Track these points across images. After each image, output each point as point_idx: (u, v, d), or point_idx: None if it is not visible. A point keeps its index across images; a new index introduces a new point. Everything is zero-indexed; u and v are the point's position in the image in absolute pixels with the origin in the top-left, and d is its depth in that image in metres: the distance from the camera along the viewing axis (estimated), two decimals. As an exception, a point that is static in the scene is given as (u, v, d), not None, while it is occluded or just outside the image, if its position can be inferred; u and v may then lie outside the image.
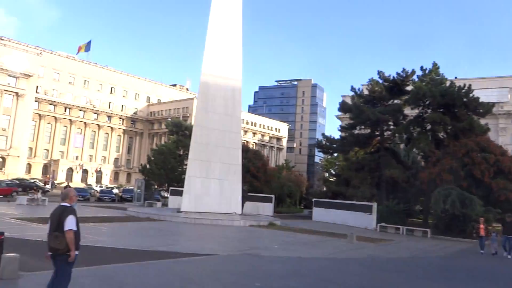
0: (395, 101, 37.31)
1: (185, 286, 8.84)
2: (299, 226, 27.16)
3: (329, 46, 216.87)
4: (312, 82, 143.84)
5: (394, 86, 36.03)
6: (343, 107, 38.74)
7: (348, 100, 43.12)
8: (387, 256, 16.51)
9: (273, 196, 37.71)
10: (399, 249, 19.65)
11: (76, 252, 6.06)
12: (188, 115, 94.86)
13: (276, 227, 25.04)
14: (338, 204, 33.76)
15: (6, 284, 7.78)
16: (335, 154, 49.20)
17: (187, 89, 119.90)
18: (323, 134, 41.99)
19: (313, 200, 38.20)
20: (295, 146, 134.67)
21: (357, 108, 35.56)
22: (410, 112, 38.04)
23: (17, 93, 74.03)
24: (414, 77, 36.29)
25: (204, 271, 10.74)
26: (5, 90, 72.59)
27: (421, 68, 34.78)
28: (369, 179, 36.06)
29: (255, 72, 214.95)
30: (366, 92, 38.46)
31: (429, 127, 33.65)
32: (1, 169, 72.07)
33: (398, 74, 35.68)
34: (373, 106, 36.62)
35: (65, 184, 75.61)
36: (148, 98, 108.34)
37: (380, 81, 36.82)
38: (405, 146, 37.90)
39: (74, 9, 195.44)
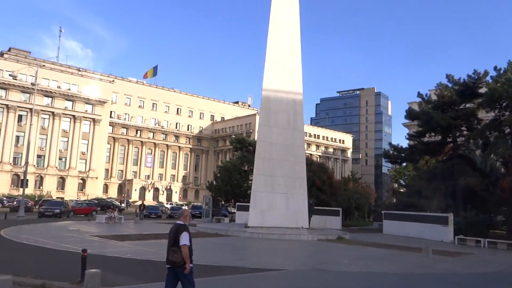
0: (467, 105, 35.08)
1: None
2: (369, 239, 26.23)
3: (392, 52, 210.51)
4: (376, 91, 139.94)
5: (466, 89, 33.91)
6: (411, 114, 37.11)
7: (415, 107, 41.30)
8: (469, 272, 15.35)
9: (340, 209, 36.83)
10: (482, 264, 18.20)
11: (191, 265, 6.91)
12: (251, 130, 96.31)
13: (345, 241, 24.37)
14: (410, 216, 32.11)
15: (89, 299, 8.25)
16: (404, 164, 47.13)
17: (249, 106, 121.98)
18: (390, 144, 40.46)
19: (383, 212, 36.75)
20: (360, 157, 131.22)
21: (426, 115, 33.88)
22: (484, 115, 35.53)
23: (93, 119, 79.82)
24: (487, 78, 33.91)
25: (273, 286, 10.69)
26: (83, 117, 78.63)
27: (495, 68, 32.34)
28: (443, 189, 33.97)
29: (315, 84, 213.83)
30: (434, 97, 36.62)
31: (507, 130, 31.17)
32: (82, 190, 77.65)
33: (469, 76, 33.57)
34: (443, 111, 34.68)
35: (140, 202, 79.65)
36: (212, 116, 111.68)
37: (450, 85, 34.86)
38: (482, 152, 35.33)
39: (141, 37, 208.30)
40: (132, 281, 10.25)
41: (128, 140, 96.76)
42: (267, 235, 24.24)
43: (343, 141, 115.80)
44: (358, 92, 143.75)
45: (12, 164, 71.08)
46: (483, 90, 33.70)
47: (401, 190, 46.51)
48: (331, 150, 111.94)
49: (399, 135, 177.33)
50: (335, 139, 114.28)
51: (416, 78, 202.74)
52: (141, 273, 11.61)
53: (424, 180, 34.91)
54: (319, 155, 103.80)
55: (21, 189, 67.53)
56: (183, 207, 58.05)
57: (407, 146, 39.88)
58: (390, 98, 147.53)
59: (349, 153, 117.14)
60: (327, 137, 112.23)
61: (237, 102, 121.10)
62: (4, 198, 55.34)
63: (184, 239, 6.85)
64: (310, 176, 33.95)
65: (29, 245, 16.44)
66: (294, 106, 29.41)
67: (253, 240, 22.78)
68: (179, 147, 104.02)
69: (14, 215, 34.10)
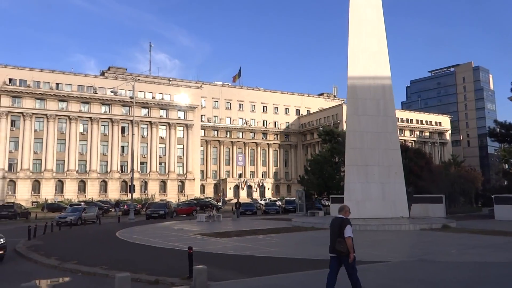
0: None
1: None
2: (479, 227, 24.17)
3: (485, 22, 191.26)
4: (473, 65, 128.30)
5: None
6: (517, 86, 33.36)
7: (522, 78, 37.07)
8: None
9: (442, 195, 34.44)
10: None
11: (354, 254, 7.81)
12: (338, 121, 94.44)
13: (451, 230, 22.73)
14: (526, 199, 28.97)
15: (198, 293, 8.69)
16: (514, 142, 42.48)
17: (334, 96, 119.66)
18: (495, 121, 36.74)
19: (493, 196, 33.60)
20: (461, 138, 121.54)
21: (536, 85, 30.20)
22: None
23: (186, 124, 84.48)
24: None
25: (377, 279, 10.32)
26: (177, 123, 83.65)
27: None
28: None
29: (404, 66, 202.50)
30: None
31: None
32: (181, 191, 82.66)
33: None
34: (558, 79, 30.61)
35: (235, 200, 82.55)
36: (298, 110, 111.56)
37: None
38: None
39: (222, 41, 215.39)
40: (237, 276, 10.60)
41: (219, 141, 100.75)
42: (365, 226, 23.52)
43: (439, 123, 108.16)
44: (452, 69, 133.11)
45: (120, 172, 78.12)
46: None
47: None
48: (427, 134, 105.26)
49: (505, 111, 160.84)
50: (430, 122, 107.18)
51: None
52: (244, 268, 11.97)
53: (540, 158, 31.13)
54: (414, 141, 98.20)
55: (129, 194, 74.37)
56: (277, 202, 58.88)
57: (517, 122, 35.92)
58: (491, 71, 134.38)
59: (447, 136, 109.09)
60: (421, 121, 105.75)
61: (322, 94, 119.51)
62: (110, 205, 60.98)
63: (348, 231, 7.82)
64: (406, 163, 32.28)
65: (141, 245, 17.89)
66: (382, 91, 28.11)
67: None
68: (267, 144, 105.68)
69: (125, 218, 37.45)
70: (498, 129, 35.98)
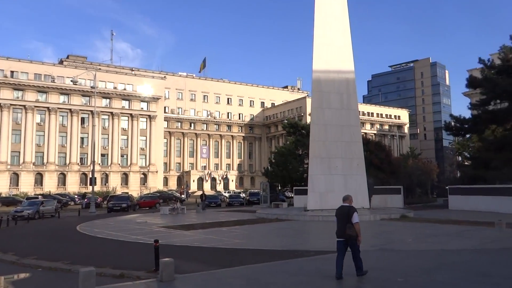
0: (536, 67, 32.47)
1: (327, 284, 8.83)
2: (435, 216, 25.32)
3: (445, 18, 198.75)
4: (431, 61, 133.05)
5: (533, 49, 31.38)
6: (472, 82, 34.93)
7: (476, 74, 38.86)
8: (549, 245, 14.36)
9: (401, 187, 35.74)
10: None
11: (361, 238, 8.94)
12: (302, 114, 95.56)
13: (409, 219, 23.69)
14: (478, 189, 30.56)
15: (166, 286, 8.65)
16: (468, 136, 44.62)
17: (298, 89, 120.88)
18: (451, 115, 38.36)
19: (447, 187, 35.22)
20: (418, 132, 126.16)
21: (490, 81, 31.78)
22: (556, 76, 32.72)
23: (149, 116, 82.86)
24: (558, 35, 31.07)
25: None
26: (140, 114, 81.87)
27: None
28: (513, 159, 31.87)
29: (366, 60, 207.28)
30: (497, 62, 34.17)
31: None
32: (144, 184, 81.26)
33: (536, 35, 30.98)
34: (509, 76, 32.34)
35: (199, 193, 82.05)
36: (262, 103, 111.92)
37: (514, 47, 32.40)
38: (556, 117, 32.67)
39: (186, 31, 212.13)
40: (204, 267, 10.59)
41: (183, 133, 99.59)
42: (327, 217, 23.96)
43: (398, 116, 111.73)
44: (411, 64, 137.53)
45: (79, 164, 75.75)
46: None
47: (466, 163, 44.13)
48: (386, 127, 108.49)
49: (459, 105, 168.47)
50: (390, 115, 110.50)
51: (474, 44, 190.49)
52: (210, 260, 11.97)
53: (492, 151, 32.92)
54: (374, 133, 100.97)
55: (89, 187, 72.26)
56: (241, 194, 59.10)
57: (470, 116, 37.69)
58: (447, 67, 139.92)
59: (406, 129, 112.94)
60: (381, 114, 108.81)
61: (286, 87, 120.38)
62: (76, 196, 59.22)
63: (356, 218, 8.87)
64: (367, 155, 33.16)
65: (104, 239, 17.50)
66: (346, 85, 28.69)
67: (314, 223, 22.75)
68: (232, 136, 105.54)
69: (85, 211, 36.45)
70: (453, 123, 37.60)
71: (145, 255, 13.07)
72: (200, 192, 51.14)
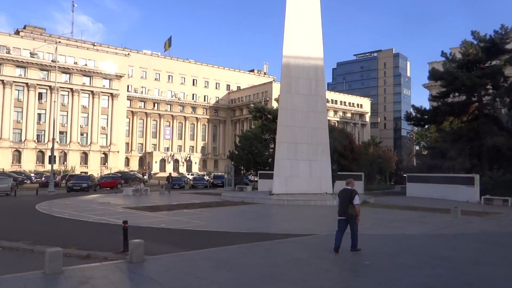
0: (493, 63, 33.97)
1: (296, 265, 9.02)
2: (394, 202, 26.31)
3: (408, 12, 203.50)
4: (394, 52, 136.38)
5: (492, 45, 32.72)
6: (434, 74, 36.15)
7: (437, 67, 40.24)
8: (500, 230, 15.34)
9: (362, 173, 36.83)
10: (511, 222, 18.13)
11: (360, 217, 10.10)
12: (267, 99, 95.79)
13: (370, 205, 24.47)
14: (435, 177, 31.99)
15: (136, 268, 8.55)
16: (426, 126, 46.39)
17: (264, 73, 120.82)
18: (413, 106, 39.68)
19: (406, 175, 36.64)
20: (379, 121, 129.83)
21: (450, 74, 32.99)
22: (511, 73, 34.45)
23: (111, 94, 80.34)
24: (516, 33, 32.57)
25: (308, 251, 10.88)
26: (101, 92, 79.19)
27: (523, 22, 31.05)
28: (468, 150, 33.54)
29: (331, 48, 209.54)
30: (458, 56, 35.50)
31: (536, 87, 30.26)
32: (105, 164, 79.24)
33: (496, 32, 32.31)
34: (468, 70, 33.70)
35: (161, 174, 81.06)
36: (228, 86, 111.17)
37: (475, 42, 33.68)
38: (508, 111, 34.50)
39: (152, 8, 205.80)
40: (173, 249, 10.54)
41: (146, 113, 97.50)
42: (292, 201, 24.51)
43: (361, 105, 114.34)
44: (375, 54, 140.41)
45: (36, 141, 72.69)
46: (510, 45, 32.52)
47: (424, 153, 45.97)
48: (349, 115, 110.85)
49: (419, 97, 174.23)
50: (353, 103, 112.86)
51: (435, 37, 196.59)
52: (179, 241, 11.93)
53: (449, 142, 34.42)
54: (337, 121, 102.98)
55: (46, 165, 69.70)
56: (205, 176, 58.95)
57: (430, 108, 39.13)
58: (408, 59, 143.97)
59: (367, 118, 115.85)
60: (344, 102, 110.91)
61: (252, 71, 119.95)
62: (32, 175, 56.96)
63: (356, 199, 9.98)
64: (331, 142, 33.83)
65: (66, 219, 17.00)
66: (315, 71, 28.94)
67: (279, 207, 23.07)
68: (196, 118, 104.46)
69: (43, 190, 35.19)
70: (414, 114, 38.93)
71: (110, 235, 12.87)
72: (165, 174, 50.44)
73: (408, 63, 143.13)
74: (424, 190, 32.18)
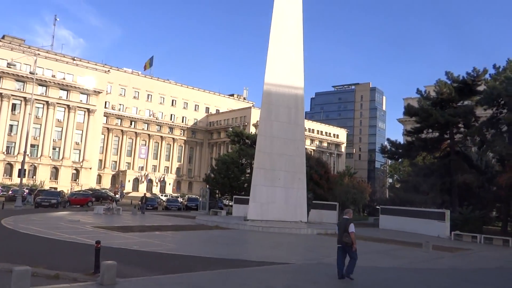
0: (466, 103, 35.41)
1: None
2: (367, 234, 26.45)
3: (386, 48, 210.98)
4: (371, 86, 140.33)
5: (465, 86, 34.20)
6: (409, 110, 37.33)
7: (412, 103, 41.56)
8: (470, 267, 15.62)
9: (337, 203, 37.11)
10: (481, 259, 18.51)
11: (355, 245, 10.53)
12: (246, 124, 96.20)
13: (344, 236, 24.56)
14: (407, 211, 32.50)
15: (108, 290, 8.27)
16: (400, 160, 47.45)
17: (244, 99, 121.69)
18: (388, 139, 40.66)
19: (379, 207, 37.10)
20: (354, 151, 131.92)
21: (425, 111, 34.13)
22: (482, 113, 35.92)
23: (88, 109, 79.06)
24: (486, 76, 34.22)
25: (283, 280, 10.79)
26: (78, 107, 77.83)
27: (494, 66, 32.71)
28: (440, 185, 34.39)
29: (310, 78, 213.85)
30: (432, 94, 36.87)
31: (505, 128, 31.56)
32: (76, 180, 77.09)
33: (468, 74, 33.84)
34: (442, 108, 34.96)
35: (133, 193, 79.46)
36: (207, 108, 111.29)
37: (449, 82, 35.13)
38: (478, 150, 35.78)
39: (135, 27, 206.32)
40: (146, 273, 10.28)
41: (122, 131, 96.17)
42: (267, 228, 24.38)
43: (337, 135, 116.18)
44: (353, 87, 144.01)
45: (5, 153, 70.35)
46: (481, 87, 34.02)
47: (397, 186, 46.82)
48: (325, 144, 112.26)
49: (393, 130, 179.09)
50: (330, 133, 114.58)
51: (410, 74, 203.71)
52: (151, 264, 11.64)
53: (421, 176, 35.26)
54: (314, 149, 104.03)
55: (14, 178, 67.27)
56: (179, 198, 58.08)
57: (405, 142, 40.15)
58: (384, 93, 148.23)
59: (343, 148, 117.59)
60: (321, 132, 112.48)
61: (232, 95, 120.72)
62: (-1, 188, 54.85)
63: (351, 228, 10.44)
64: (307, 170, 34.08)
65: (34, 236, 16.37)
66: (295, 100, 29.43)
67: (254, 233, 22.90)
68: (173, 139, 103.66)
69: (10, 204, 33.88)
70: (389, 147, 39.87)
71: (80, 256, 12.48)
72: (138, 194, 49.46)
73: (384, 97, 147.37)
74: (396, 223, 32.58)
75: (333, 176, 47.36)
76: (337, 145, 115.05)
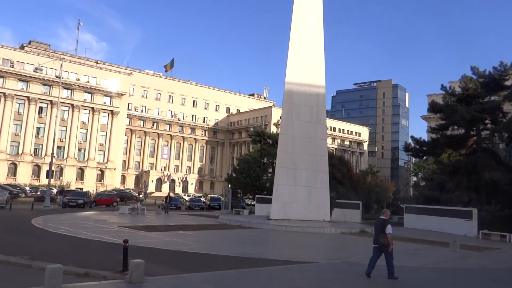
0: (492, 98, 34.47)
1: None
2: (393, 233, 26.10)
3: (408, 44, 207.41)
4: (393, 83, 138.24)
5: (491, 81, 33.28)
6: (434, 107, 36.54)
7: (436, 99, 40.73)
8: (499, 267, 15.23)
9: (360, 202, 36.67)
10: (511, 258, 18.02)
11: (392, 246, 10.58)
12: (267, 123, 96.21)
13: (368, 235, 24.20)
14: (432, 210, 31.87)
15: (136, 288, 8.43)
16: (425, 157, 46.55)
17: (264, 98, 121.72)
18: (412, 137, 39.94)
19: (404, 206, 36.52)
20: (376, 150, 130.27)
21: (450, 108, 33.37)
22: (510, 108, 34.92)
23: (111, 111, 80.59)
24: (515, 70, 33.19)
25: (309, 279, 10.76)
26: (102, 109, 79.44)
27: (522, 59, 31.72)
28: (466, 183, 33.52)
29: (331, 76, 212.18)
30: (457, 90, 36.04)
31: (534, 123, 30.60)
32: (100, 181, 78.72)
33: (495, 68, 32.91)
34: (467, 104, 34.13)
35: (157, 193, 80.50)
36: (228, 108, 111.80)
37: (474, 77, 34.26)
38: (506, 146, 34.80)
39: (155, 29, 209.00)
40: (171, 271, 10.44)
41: (145, 132, 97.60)
42: (290, 227, 24.34)
43: (359, 133, 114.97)
44: (375, 84, 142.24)
45: (33, 155, 72.38)
46: (509, 82, 33.06)
47: (422, 184, 45.99)
48: (347, 143, 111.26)
49: (416, 128, 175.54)
50: (351, 131, 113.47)
51: (433, 71, 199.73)
52: (177, 263, 11.81)
53: (447, 174, 34.47)
54: (335, 148, 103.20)
55: (41, 179, 69.18)
56: (201, 198, 58.60)
57: (429, 139, 39.37)
58: (407, 90, 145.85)
59: (365, 146, 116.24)
60: (343, 130, 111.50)
61: (252, 95, 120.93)
62: (28, 188, 56.48)
63: (388, 229, 10.53)
64: (330, 169, 33.88)
65: (63, 235, 16.82)
66: (317, 99, 29.30)
67: (277, 233, 22.90)
68: (195, 139, 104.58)
69: (39, 205, 34.85)
70: (413, 144, 39.13)
71: (108, 254, 12.75)
72: (161, 194, 50.11)
73: (407, 94, 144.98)
74: (422, 221, 32.00)
75: (356, 175, 46.94)
76: (359, 143, 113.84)
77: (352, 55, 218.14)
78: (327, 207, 28.49)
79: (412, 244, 20.64)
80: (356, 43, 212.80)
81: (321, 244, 19.46)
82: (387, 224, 10.50)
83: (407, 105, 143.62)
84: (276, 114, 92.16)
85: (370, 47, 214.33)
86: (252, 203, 45.79)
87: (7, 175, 68.90)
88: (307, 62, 29.30)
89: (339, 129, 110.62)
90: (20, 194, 49.23)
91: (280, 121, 32.74)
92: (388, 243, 10.40)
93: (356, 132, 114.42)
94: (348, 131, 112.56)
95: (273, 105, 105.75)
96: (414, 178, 65.06)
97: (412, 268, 13.52)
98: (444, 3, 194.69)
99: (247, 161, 45.16)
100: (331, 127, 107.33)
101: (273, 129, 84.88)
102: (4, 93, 69.44)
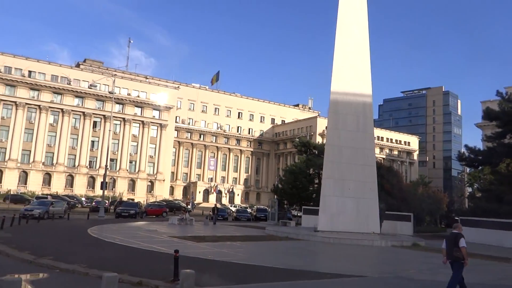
0: (555, 104, 32.34)
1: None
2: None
3: (458, 49, 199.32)
4: (444, 90, 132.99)
5: (553, 85, 31.27)
6: (489, 114, 34.77)
7: (491, 106, 38.74)
8: None
9: (411, 214, 35.34)
10: None
11: (468, 261, 10.24)
12: (312, 133, 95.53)
13: (421, 248, 23.37)
14: (490, 222, 30.09)
15: (187, 298, 8.56)
16: (480, 167, 44.22)
17: (309, 108, 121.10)
18: (466, 146, 38.10)
19: (458, 218, 34.75)
20: (427, 159, 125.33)
21: (507, 115, 31.67)
22: None
23: (160, 124, 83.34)
24: None
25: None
26: (151, 122, 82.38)
27: None
28: (527, 194, 31.49)
29: (378, 84, 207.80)
30: (515, 95, 34.13)
31: None
32: (150, 192, 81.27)
33: (556, 72, 30.91)
34: (526, 110, 32.23)
35: (204, 204, 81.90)
36: (273, 119, 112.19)
37: (534, 82, 32.34)
38: None
39: (201, 44, 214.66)
40: (221, 281, 10.51)
41: (192, 144, 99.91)
42: (339, 239, 23.85)
43: (408, 143, 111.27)
44: (424, 91, 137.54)
45: (88, 167, 76.05)
46: None
47: (478, 195, 43.59)
48: (396, 152, 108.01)
49: (471, 136, 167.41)
50: (400, 141, 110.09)
51: (486, 76, 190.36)
52: (227, 274, 11.88)
53: (505, 185, 32.56)
54: (383, 158, 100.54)
55: (96, 190, 72.46)
56: (248, 209, 58.92)
57: (485, 148, 37.42)
58: (459, 97, 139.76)
59: (415, 156, 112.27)
60: (391, 139, 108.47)
61: (297, 105, 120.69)
62: (83, 199, 59.34)
63: (462, 242, 10.05)
64: (378, 180, 32.97)
65: (116, 244, 17.46)
66: (363, 108, 28.77)
67: (326, 245, 22.51)
68: (240, 150, 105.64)
69: (94, 215, 36.48)
70: (467, 154, 37.33)
71: (159, 263, 13.05)
72: (208, 204, 50.87)
73: (459, 101, 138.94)
74: (478, 235, 30.24)
75: (406, 186, 45.35)
76: (409, 153, 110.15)
77: (399, 62, 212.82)
78: (376, 219, 27.70)
79: (470, 259, 19.52)
80: (402, 49, 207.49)
81: (371, 257, 18.91)
82: (461, 238, 10.10)
83: (459, 112, 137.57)
84: (321, 124, 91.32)
85: (418, 53, 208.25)
86: (298, 214, 45.41)
87: (65, 187, 72.80)
88: (352, 70, 28.92)
89: (387, 139, 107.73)
90: (77, 205, 51.78)
91: (325, 131, 32.40)
92: (463, 257, 10.01)
93: (405, 142, 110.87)
94: (396, 140, 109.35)
95: (318, 115, 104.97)
96: (469, 189, 61.88)
97: (472, 284, 12.77)
98: (494, 9, 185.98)
99: (293, 171, 44.94)
100: (378, 137, 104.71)
101: (319, 139, 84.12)
102: (62, 109, 73.80)
